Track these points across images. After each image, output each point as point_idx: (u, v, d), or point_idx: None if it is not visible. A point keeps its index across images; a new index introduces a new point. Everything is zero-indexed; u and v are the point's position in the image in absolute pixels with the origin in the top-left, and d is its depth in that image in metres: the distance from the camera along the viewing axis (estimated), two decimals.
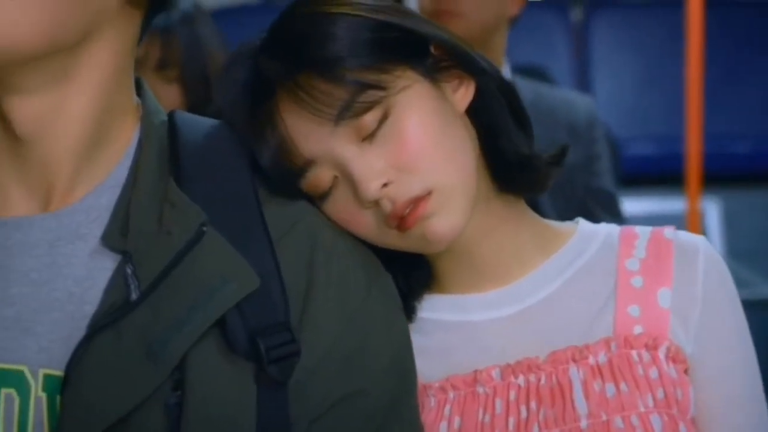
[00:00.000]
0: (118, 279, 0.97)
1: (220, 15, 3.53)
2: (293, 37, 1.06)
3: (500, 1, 2.22)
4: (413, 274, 1.13)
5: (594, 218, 2.07)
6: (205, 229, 0.98)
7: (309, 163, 1.05)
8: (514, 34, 2.35)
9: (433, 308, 1.14)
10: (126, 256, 0.98)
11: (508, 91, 1.13)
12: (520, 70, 2.47)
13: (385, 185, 1.04)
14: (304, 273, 1.00)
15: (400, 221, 1.05)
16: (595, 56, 4.52)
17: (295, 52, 1.05)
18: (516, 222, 1.14)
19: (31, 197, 1.01)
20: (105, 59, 1.00)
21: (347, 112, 1.04)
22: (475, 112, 1.11)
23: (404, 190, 1.05)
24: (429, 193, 1.05)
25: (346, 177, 1.05)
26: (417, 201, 1.05)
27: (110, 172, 1.02)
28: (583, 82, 4.46)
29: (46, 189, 1.00)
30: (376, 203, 1.05)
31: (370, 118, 1.04)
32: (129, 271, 0.97)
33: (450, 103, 1.09)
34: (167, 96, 2.06)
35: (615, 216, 2.26)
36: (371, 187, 1.04)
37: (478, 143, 1.11)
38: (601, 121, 2.37)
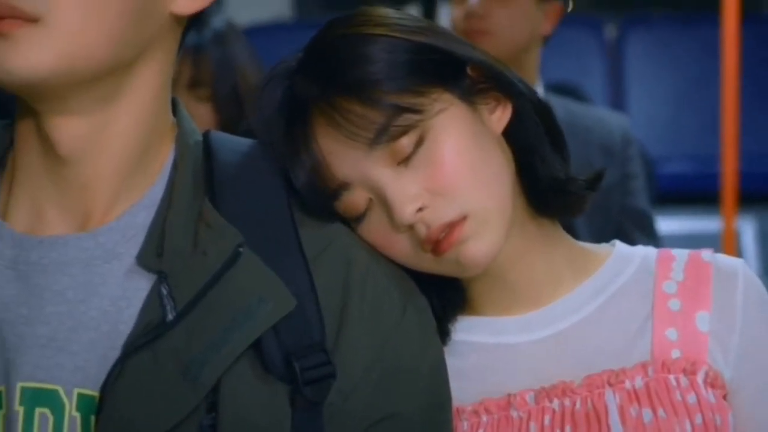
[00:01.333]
0: (153, 299, 0.97)
1: (253, 32, 3.54)
2: (328, 59, 1.06)
3: (533, 21, 2.21)
4: (447, 296, 1.12)
5: (628, 238, 2.07)
6: (241, 250, 0.98)
7: (344, 186, 1.05)
8: (547, 51, 2.34)
9: (467, 330, 1.13)
10: (161, 276, 0.98)
11: (545, 113, 1.12)
12: (553, 88, 2.46)
13: (420, 210, 1.04)
14: (339, 293, 1.00)
15: (435, 245, 1.04)
16: (629, 74, 4.50)
17: (331, 73, 1.05)
18: (551, 245, 1.13)
19: (67, 217, 1.01)
20: (151, 79, 1.01)
21: (383, 136, 1.03)
22: (511, 134, 1.10)
23: (439, 214, 1.04)
24: (464, 218, 1.04)
25: (381, 200, 1.05)
26: (452, 226, 1.04)
27: (146, 191, 1.02)
28: (618, 100, 4.44)
29: (84, 209, 1.01)
30: (411, 227, 1.04)
31: (406, 142, 1.04)
32: (164, 291, 0.97)
33: (486, 125, 1.08)
34: (199, 114, 2.07)
35: (650, 236, 2.24)
36: (406, 211, 1.03)
37: (513, 165, 1.10)
38: (635, 140, 2.36)
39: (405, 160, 1.04)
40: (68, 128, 0.98)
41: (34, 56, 0.94)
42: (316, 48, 1.08)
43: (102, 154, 1.00)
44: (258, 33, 3.69)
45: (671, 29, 4.63)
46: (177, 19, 1.01)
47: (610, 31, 4.59)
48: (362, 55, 1.04)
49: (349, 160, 1.04)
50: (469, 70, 1.08)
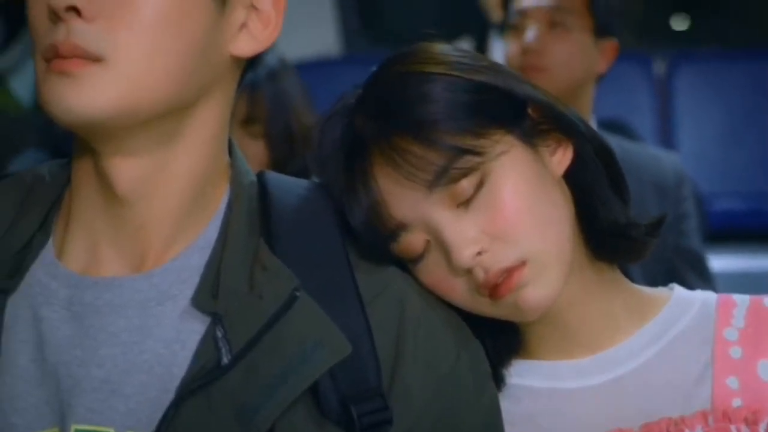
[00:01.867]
0: (208, 342, 0.97)
1: (302, 68, 3.56)
2: (388, 97, 1.05)
3: (589, 58, 2.19)
4: (502, 339, 1.10)
5: (682, 279, 2.03)
6: (297, 293, 0.97)
7: (401, 227, 1.04)
8: (596, 87, 2.32)
9: (521, 374, 1.12)
10: (216, 319, 0.97)
11: (606, 154, 1.10)
12: (602, 124, 2.44)
13: (478, 253, 1.03)
14: (394, 337, 0.99)
15: (493, 290, 1.03)
16: (678, 110, 4.47)
17: (390, 113, 1.04)
18: (609, 289, 1.11)
19: (123, 257, 1.01)
20: (211, 118, 1.01)
21: (443, 178, 1.02)
22: (571, 176, 1.09)
23: (498, 259, 1.03)
24: (523, 263, 1.03)
25: (439, 243, 1.04)
26: (510, 270, 1.03)
27: (201, 232, 1.01)
28: (667, 137, 4.41)
29: (140, 250, 1.01)
30: (469, 271, 1.03)
31: (466, 185, 1.03)
32: (219, 334, 0.97)
33: (547, 168, 1.07)
34: (252, 151, 2.08)
35: (704, 277, 2.21)
36: (465, 254, 1.02)
37: (573, 208, 1.09)
38: (689, 179, 2.33)
39: (465, 203, 1.03)
40: (127, 168, 0.99)
41: (97, 95, 0.94)
42: (376, 86, 1.07)
43: (159, 194, 1.00)
44: (307, 69, 3.70)
45: (721, 65, 4.59)
46: (236, 60, 1.02)
47: (659, 67, 4.56)
48: (422, 95, 1.03)
49: (408, 201, 1.03)
50: (530, 111, 1.07)
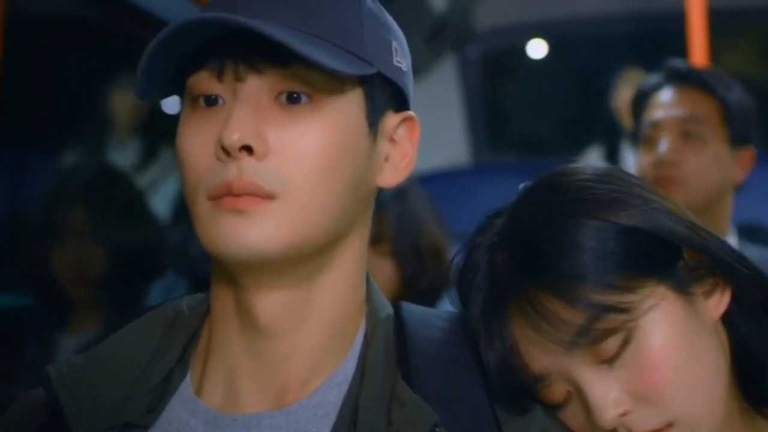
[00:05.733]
0: None
1: (432, 179, 3.57)
2: (531, 243, 0.99)
3: (725, 169, 2.12)
4: None
5: None
6: (437, 430, 0.95)
7: (540, 379, 0.99)
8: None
9: None
10: None
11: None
12: (742, 230, 2.36)
13: (622, 414, 0.97)
14: None
15: None
16: None
17: (532, 262, 0.98)
18: (763, 426, 1.04)
19: (262, 393, 1.00)
20: (354, 250, 1.01)
21: (584, 338, 0.95)
22: (729, 317, 1.01)
23: (642, 421, 0.97)
24: (669, 425, 0.97)
25: (581, 397, 0.98)
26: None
27: (338, 367, 1.00)
28: None
29: (279, 385, 1.00)
30: (613, 429, 0.97)
31: (611, 344, 0.96)
32: None
33: (701, 316, 0.99)
34: (381, 270, 2.07)
35: None
36: (608, 415, 0.97)
37: (729, 352, 1.01)
38: None
39: (609, 360, 0.97)
40: (272, 301, 0.98)
41: (272, 232, 0.95)
42: (519, 224, 1.00)
43: (302, 328, 0.99)
44: (437, 179, 3.71)
45: None
46: (377, 190, 1.02)
47: None
48: (568, 244, 0.96)
49: (547, 356, 0.98)
50: (685, 255, 0.99)
